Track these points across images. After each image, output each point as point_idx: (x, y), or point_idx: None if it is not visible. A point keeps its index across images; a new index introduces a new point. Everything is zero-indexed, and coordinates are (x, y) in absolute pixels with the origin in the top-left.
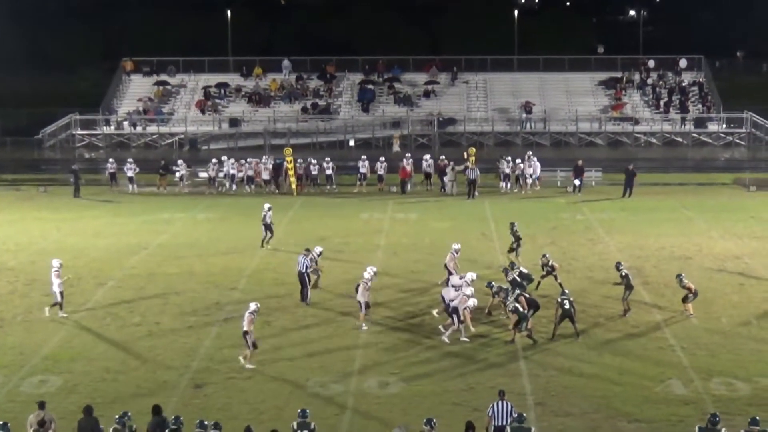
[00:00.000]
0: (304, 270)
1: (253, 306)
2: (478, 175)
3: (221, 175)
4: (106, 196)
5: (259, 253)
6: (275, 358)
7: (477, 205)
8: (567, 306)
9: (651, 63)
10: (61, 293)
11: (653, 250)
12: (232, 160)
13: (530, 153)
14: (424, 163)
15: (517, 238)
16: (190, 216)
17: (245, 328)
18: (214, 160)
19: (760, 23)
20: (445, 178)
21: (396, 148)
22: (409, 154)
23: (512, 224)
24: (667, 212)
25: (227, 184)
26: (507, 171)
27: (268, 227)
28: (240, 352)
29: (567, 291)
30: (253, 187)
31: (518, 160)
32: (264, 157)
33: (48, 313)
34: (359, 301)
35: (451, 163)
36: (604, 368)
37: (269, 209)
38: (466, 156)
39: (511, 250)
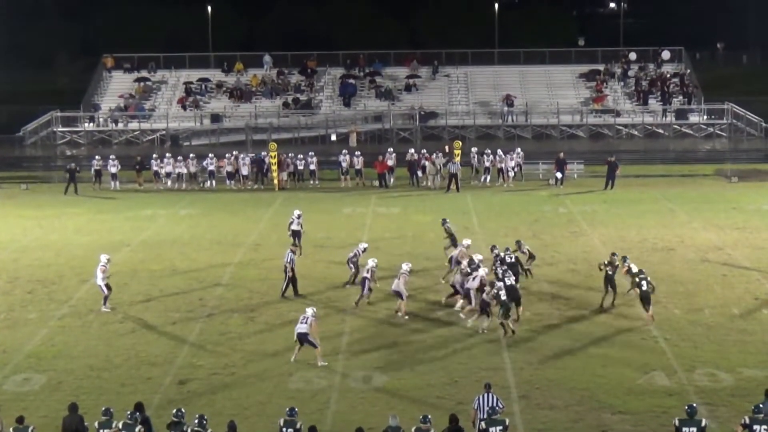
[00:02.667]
0: (285, 264)
1: (310, 311)
2: (460, 169)
3: (209, 169)
4: (88, 193)
5: (242, 249)
6: (258, 353)
7: (459, 199)
8: (645, 287)
9: (632, 56)
10: (108, 286)
11: (635, 242)
12: (211, 155)
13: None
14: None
15: (450, 235)
16: (173, 212)
17: (306, 331)
18: (192, 155)
19: (740, 15)
20: (426, 172)
21: (353, 141)
22: (392, 149)
23: (444, 220)
24: (649, 204)
25: (208, 180)
26: (487, 164)
27: (296, 234)
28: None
29: (644, 271)
30: (233, 182)
31: (499, 152)
32: (236, 152)
33: (105, 309)
34: (397, 292)
35: (439, 154)
36: (588, 360)
37: (299, 216)
38: (447, 149)
39: (447, 247)
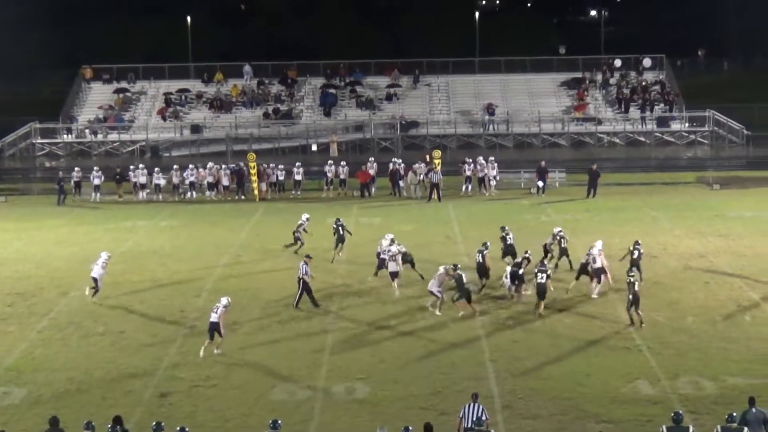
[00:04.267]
0: (300, 276)
1: (224, 300)
2: (441, 178)
3: (190, 180)
4: (68, 204)
5: (223, 260)
6: (240, 364)
7: (441, 208)
8: (636, 289)
9: (617, 62)
10: (97, 279)
11: (618, 251)
12: (191, 166)
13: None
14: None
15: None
16: (153, 223)
17: (217, 320)
18: (176, 167)
19: (721, 22)
20: (405, 181)
21: (334, 151)
22: (373, 158)
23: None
24: (632, 212)
25: (188, 191)
26: (468, 173)
27: (297, 237)
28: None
29: (634, 270)
30: (214, 193)
31: (480, 160)
32: (216, 164)
33: (87, 293)
34: (432, 292)
35: (421, 165)
36: (571, 369)
37: (307, 220)
38: (429, 158)
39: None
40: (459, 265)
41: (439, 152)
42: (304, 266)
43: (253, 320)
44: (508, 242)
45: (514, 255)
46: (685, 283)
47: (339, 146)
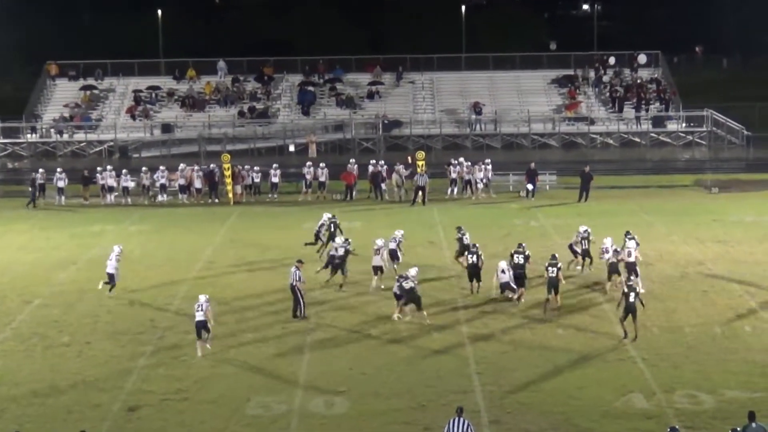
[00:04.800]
0: (294, 283)
1: (203, 298)
2: (428, 181)
3: (161, 182)
4: (32, 208)
5: (196, 267)
6: (213, 377)
7: (425, 212)
8: (632, 299)
9: (611, 59)
10: (113, 275)
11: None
12: (162, 168)
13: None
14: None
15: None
16: (122, 228)
17: (203, 318)
18: (145, 168)
19: (719, 16)
20: (388, 183)
21: (312, 152)
22: (353, 160)
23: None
24: (626, 217)
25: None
26: (453, 176)
27: (319, 237)
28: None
29: (633, 279)
30: (186, 196)
31: (466, 163)
32: (188, 165)
33: (100, 287)
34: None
35: (401, 166)
36: (563, 382)
37: (330, 219)
38: (410, 160)
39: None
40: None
41: (423, 153)
42: (296, 272)
43: (228, 330)
44: (464, 242)
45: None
46: (682, 292)
47: (318, 147)
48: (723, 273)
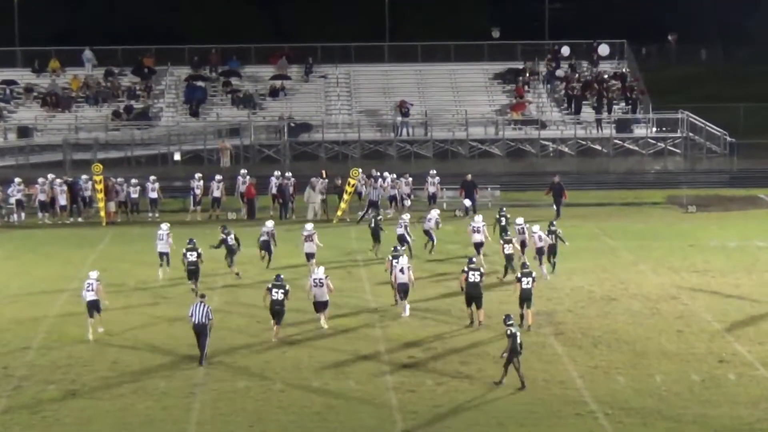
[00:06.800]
0: (201, 320)
1: (94, 274)
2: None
3: (16, 198)
4: None
5: (60, 302)
6: None
7: (341, 233)
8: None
9: (566, 50)
10: (167, 254)
11: (567, 291)
12: (18, 180)
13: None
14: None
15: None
16: None
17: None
18: None
19: (697, 0)
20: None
21: (225, 161)
22: (245, 170)
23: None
24: (584, 240)
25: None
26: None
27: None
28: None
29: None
30: (47, 215)
31: (390, 176)
32: (51, 175)
33: (160, 274)
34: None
35: (320, 179)
36: None
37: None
38: (325, 174)
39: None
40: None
41: (359, 171)
42: (203, 307)
43: (99, 380)
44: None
45: None
46: (653, 333)
47: (231, 154)
48: (701, 310)
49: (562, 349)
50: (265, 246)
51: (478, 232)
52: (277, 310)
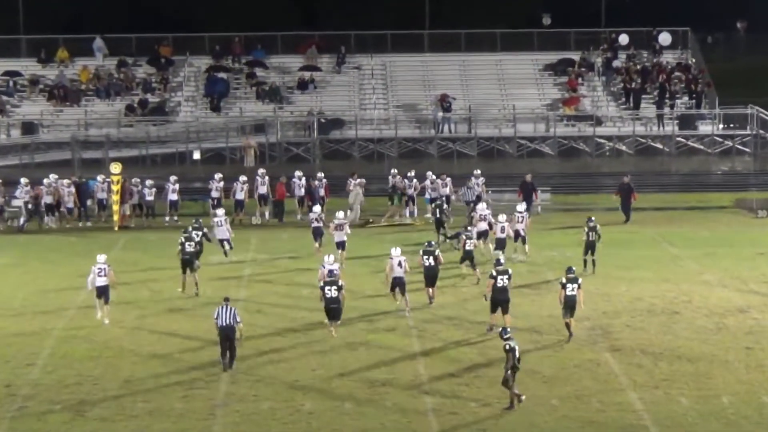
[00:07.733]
0: (227, 323)
1: (102, 258)
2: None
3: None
4: None
5: (68, 314)
6: None
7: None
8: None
9: (623, 39)
10: (228, 240)
11: (625, 303)
12: (23, 181)
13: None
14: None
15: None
16: None
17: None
18: None
19: None
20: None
21: (249, 160)
22: (263, 170)
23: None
24: (644, 248)
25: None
26: (411, 192)
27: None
28: None
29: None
30: (54, 219)
31: (431, 176)
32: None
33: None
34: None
35: (358, 180)
36: None
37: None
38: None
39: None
40: None
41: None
42: (229, 309)
43: (110, 400)
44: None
45: None
46: (720, 350)
47: (256, 153)
48: None
49: (619, 367)
50: (317, 232)
51: (484, 220)
52: (332, 309)
